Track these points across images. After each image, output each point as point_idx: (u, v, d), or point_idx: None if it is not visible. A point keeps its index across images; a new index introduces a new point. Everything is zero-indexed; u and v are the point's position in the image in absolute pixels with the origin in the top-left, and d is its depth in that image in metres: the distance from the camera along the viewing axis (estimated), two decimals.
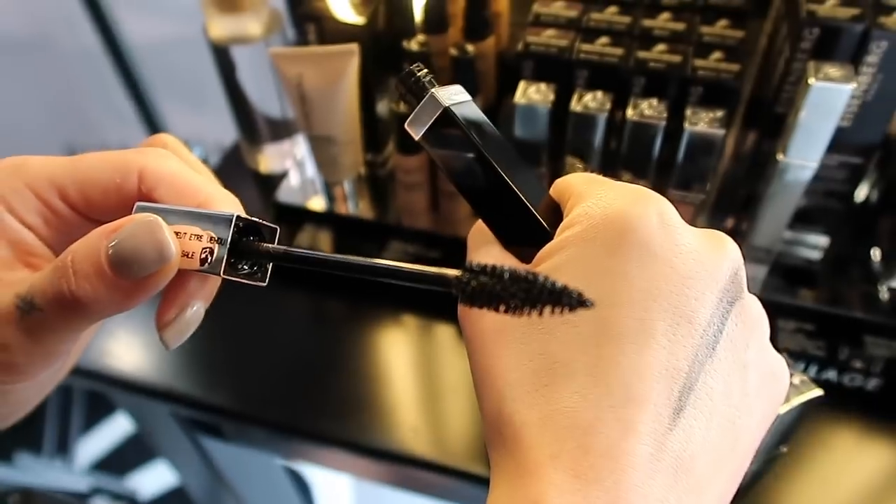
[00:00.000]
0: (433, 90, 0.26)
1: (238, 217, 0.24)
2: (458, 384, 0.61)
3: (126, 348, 0.66)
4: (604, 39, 0.57)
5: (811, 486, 0.53)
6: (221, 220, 0.24)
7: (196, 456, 0.77)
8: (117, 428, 1.56)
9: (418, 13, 0.64)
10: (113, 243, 0.23)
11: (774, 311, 0.58)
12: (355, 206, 0.69)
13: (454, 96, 0.26)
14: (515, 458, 0.21)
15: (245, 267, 0.25)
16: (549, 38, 0.57)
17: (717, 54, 0.55)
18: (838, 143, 0.53)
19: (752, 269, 0.60)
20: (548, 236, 0.25)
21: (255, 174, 0.80)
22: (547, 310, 0.19)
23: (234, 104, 0.74)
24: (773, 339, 0.58)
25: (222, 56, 0.69)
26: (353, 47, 0.58)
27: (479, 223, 0.27)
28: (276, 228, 0.26)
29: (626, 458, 0.20)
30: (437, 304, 0.66)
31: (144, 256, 0.23)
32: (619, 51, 0.56)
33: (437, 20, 0.62)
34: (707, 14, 0.59)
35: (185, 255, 0.24)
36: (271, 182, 0.76)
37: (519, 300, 0.19)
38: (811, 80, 0.46)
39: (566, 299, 0.19)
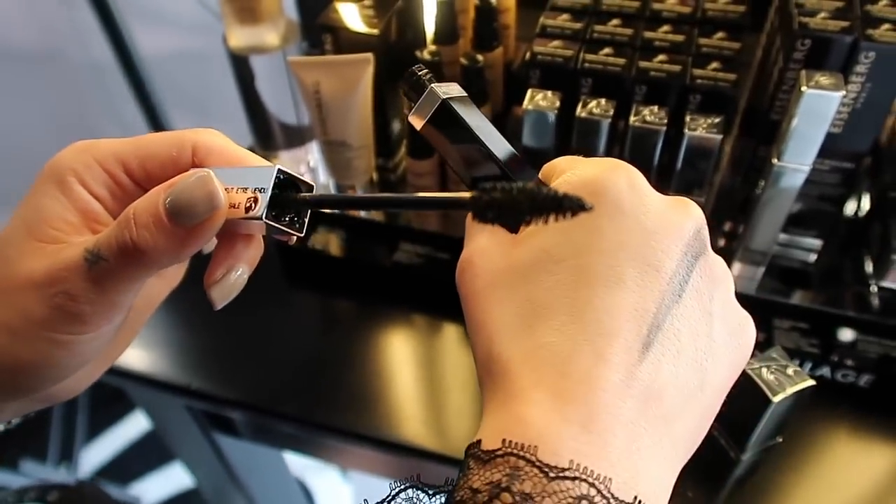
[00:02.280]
0: (433, 85, 0.30)
1: (279, 169, 0.27)
2: (466, 381, 0.64)
3: (142, 345, 0.68)
4: (607, 50, 0.60)
5: (805, 475, 0.55)
6: (264, 173, 0.27)
7: (210, 453, 0.79)
8: (122, 435, 1.57)
9: (430, 25, 0.67)
10: (169, 195, 0.26)
11: (770, 310, 0.61)
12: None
13: (451, 91, 0.30)
14: (502, 388, 0.24)
15: (286, 219, 0.28)
16: (555, 48, 0.60)
17: (714, 64, 0.58)
18: (830, 148, 0.56)
19: (748, 270, 0.63)
20: None
21: None
22: (552, 216, 0.22)
23: (250, 112, 0.77)
24: (769, 338, 0.61)
25: (241, 65, 0.72)
26: (369, 56, 0.61)
27: None
28: (313, 185, 0.29)
29: (599, 383, 0.22)
30: (444, 304, 0.68)
31: (197, 205, 0.26)
32: (621, 60, 0.59)
33: (448, 31, 0.65)
34: (705, 27, 0.62)
35: (232, 206, 0.27)
36: None
37: (526, 209, 0.22)
38: (804, 88, 0.49)
39: (567, 203, 0.21)
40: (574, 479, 0.21)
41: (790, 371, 0.49)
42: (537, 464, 0.21)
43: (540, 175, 0.30)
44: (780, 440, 0.54)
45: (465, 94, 0.31)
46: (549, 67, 0.59)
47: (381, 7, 0.66)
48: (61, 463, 1.52)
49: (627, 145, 0.56)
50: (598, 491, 0.21)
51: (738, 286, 0.61)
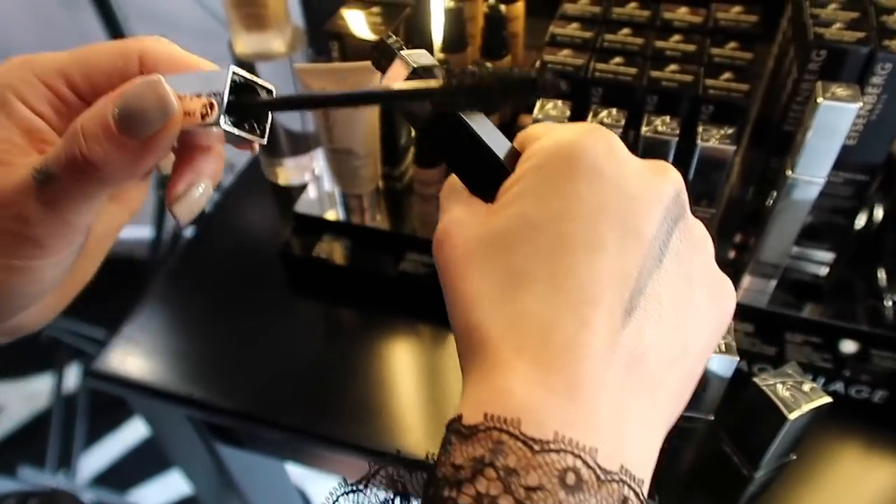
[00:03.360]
0: (402, 52, 0.29)
1: (234, 72, 0.26)
2: None
3: (144, 353, 0.67)
4: (618, 59, 0.59)
5: (819, 492, 0.54)
6: (218, 76, 0.26)
7: (210, 463, 0.77)
8: (121, 442, 1.56)
9: (438, 33, 0.66)
10: (118, 105, 0.24)
11: (782, 324, 0.60)
12: (373, 218, 0.71)
13: (421, 59, 0.29)
14: (483, 360, 0.23)
15: (245, 125, 0.26)
16: (565, 57, 0.59)
17: (727, 74, 0.57)
18: (844, 160, 0.55)
19: (760, 283, 0.62)
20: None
21: (274, 187, 0.82)
22: (525, 96, 0.21)
23: None
24: (781, 352, 0.60)
25: (247, 71, 0.71)
26: None
27: (451, 178, 0.29)
28: (272, 89, 0.27)
29: (583, 350, 0.22)
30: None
31: (148, 113, 0.24)
32: (632, 70, 0.58)
33: (456, 39, 0.65)
34: (717, 36, 0.61)
35: (186, 113, 0.25)
36: (290, 194, 0.78)
37: (497, 90, 0.21)
38: (819, 99, 0.48)
39: (541, 81, 0.21)
40: (559, 451, 0.20)
41: (806, 387, 0.48)
42: (521, 437, 0.20)
43: (515, 142, 0.29)
44: (794, 457, 0.53)
45: (436, 62, 0.29)
46: (559, 76, 0.59)
47: (389, 14, 0.66)
48: (60, 469, 1.51)
49: (638, 156, 0.55)
50: (584, 462, 0.20)
51: (749, 299, 0.61)
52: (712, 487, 0.54)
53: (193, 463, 0.81)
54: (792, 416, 0.46)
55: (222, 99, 0.25)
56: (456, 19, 0.64)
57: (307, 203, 0.73)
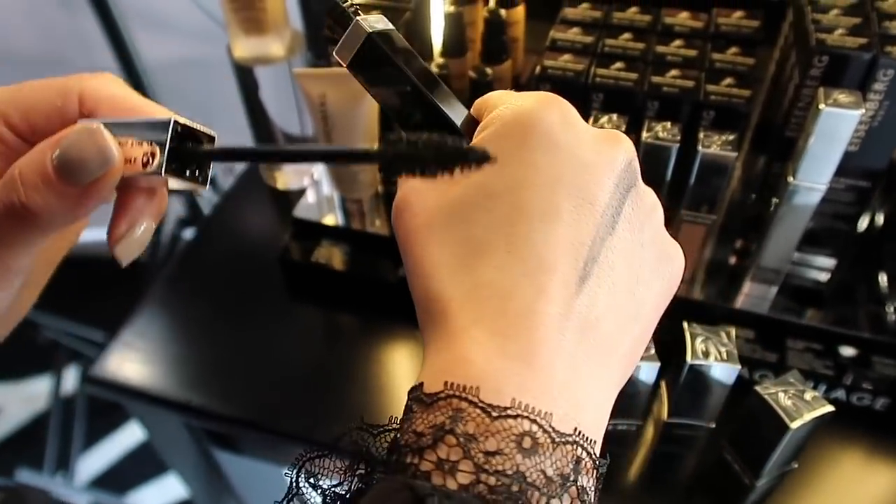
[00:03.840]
0: (358, 19, 0.28)
1: (175, 121, 0.25)
2: None
3: (142, 359, 0.67)
4: (619, 64, 0.59)
5: (821, 501, 0.53)
6: (159, 124, 0.25)
7: (207, 468, 0.77)
8: (119, 444, 1.56)
9: (437, 37, 0.66)
10: (57, 152, 0.24)
11: (783, 331, 0.60)
12: (372, 223, 0.71)
13: (377, 24, 0.28)
14: (443, 328, 0.23)
15: (187, 172, 0.26)
16: (565, 62, 0.59)
17: (728, 80, 0.57)
18: (846, 166, 0.55)
19: (761, 289, 0.62)
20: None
21: (273, 191, 0.82)
22: (457, 169, 0.22)
23: (254, 123, 0.76)
24: (782, 358, 0.59)
25: (246, 76, 0.71)
26: None
27: None
28: (214, 136, 0.27)
29: (538, 317, 0.22)
30: None
31: (88, 161, 0.24)
32: (633, 75, 0.58)
33: (456, 44, 0.64)
34: (718, 41, 0.61)
35: (127, 161, 0.25)
36: (288, 198, 0.78)
37: (432, 161, 0.22)
38: (821, 106, 0.48)
39: (472, 156, 0.21)
40: (516, 416, 0.21)
41: (808, 396, 0.47)
42: (480, 404, 0.21)
43: (472, 110, 0.29)
44: (796, 465, 0.53)
45: (392, 27, 0.29)
46: (559, 81, 0.58)
47: (389, 19, 0.65)
48: (58, 471, 1.50)
49: (640, 163, 0.55)
50: (540, 426, 0.21)
51: (750, 305, 0.61)
52: (714, 495, 0.53)
53: (190, 467, 0.81)
54: (794, 425, 0.46)
55: (164, 148, 0.25)
56: (456, 24, 0.63)
57: (306, 208, 0.73)
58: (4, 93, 0.27)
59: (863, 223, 0.64)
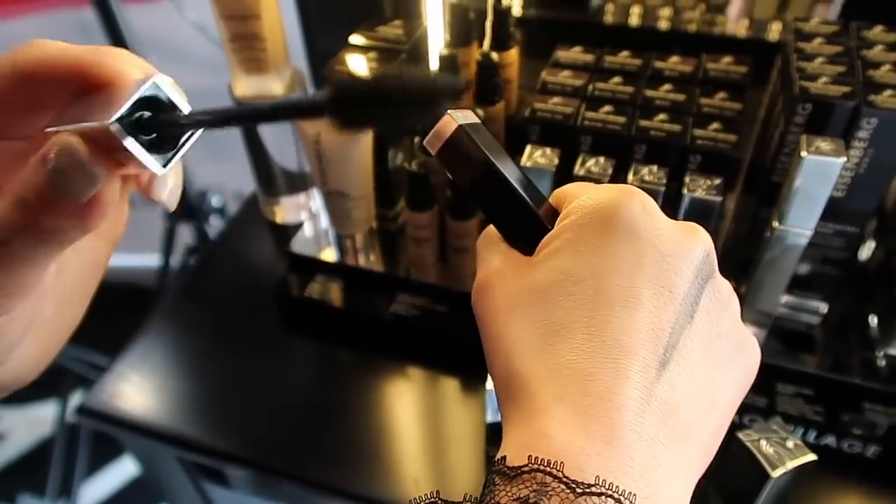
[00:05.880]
0: (449, 111, 0.30)
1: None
2: (462, 437, 0.62)
3: (136, 391, 0.67)
4: (607, 108, 0.59)
5: None
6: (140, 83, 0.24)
7: (200, 502, 0.77)
8: (121, 472, 1.56)
9: None
10: (47, 175, 0.24)
11: (773, 375, 0.60)
12: (366, 259, 0.71)
13: (467, 117, 0.30)
14: (524, 405, 0.24)
15: (169, 147, 0.25)
16: (555, 105, 0.60)
17: (715, 125, 0.57)
18: (833, 212, 0.55)
19: (752, 331, 0.61)
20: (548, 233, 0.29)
21: (272, 224, 0.83)
22: (426, 106, 0.21)
23: (254, 158, 0.77)
24: (772, 403, 0.59)
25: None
26: None
27: (489, 228, 0.31)
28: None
29: (620, 400, 0.23)
30: (442, 358, 0.67)
31: (77, 182, 0.24)
32: (621, 119, 0.58)
33: None
34: (706, 86, 0.61)
35: (118, 164, 0.24)
36: (286, 232, 0.79)
37: (396, 97, 0.21)
38: (803, 153, 0.48)
39: (442, 84, 0.21)
40: (601, 494, 0.21)
41: (790, 444, 0.47)
42: (564, 479, 0.21)
43: (551, 200, 0.30)
44: None
45: (479, 120, 0.31)
46: (548, 124, 0.59)
47: (385, 59, 0.67)
48: (60, 498, 1.50)
49: None
50: None
51: None
52: None
53: (182, 501, 0.81)
54: (775, 473, 0.46)
55: (129, 100, 0.23)
56: (449, 66, 0.64)
57: (302, 242, 0.74)
58: None
59: (855, 267, 0.64)
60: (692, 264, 0.26)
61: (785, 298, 0.63)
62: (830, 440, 0.58)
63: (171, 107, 0.25)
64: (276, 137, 0.76)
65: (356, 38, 0.70)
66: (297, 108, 0.24)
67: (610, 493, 0.21)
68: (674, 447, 0.24)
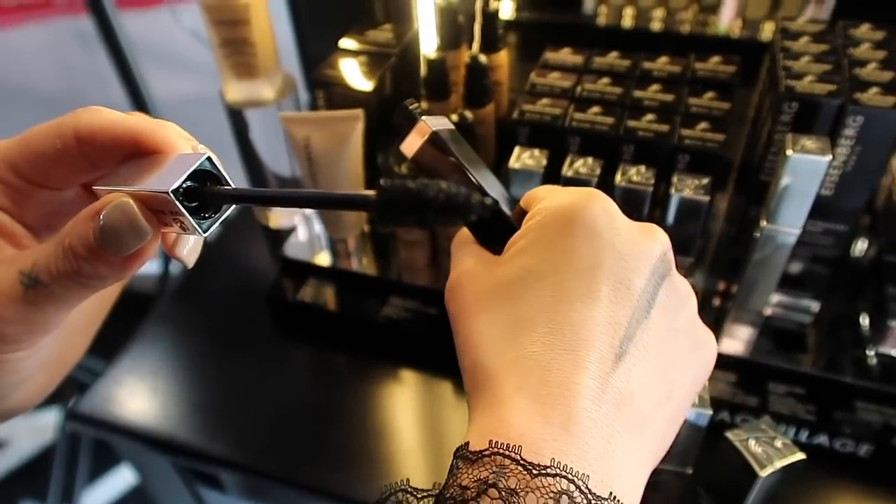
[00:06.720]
0: (423, 118, 0.32)
1: (209, 157, 0.27)
2: (455, 439, 0.62)
3: (129, 397, 0.68)
4: (595, 109, 0.59)
5: None
6: (192, 158, 0.26)
7: None
8: (123, 478, 1.56)
9: (421, 81, 0.67)
10: (98, 228, 0.25)
11: (765, 374, 0.59)
12: (359, 262, 0.72)
13: (440, 124, 0.32)
14: (488, 395, 0.25)
15: (210, 214, 0.27)
16: (543, 106, 0.60)
17: (703, 124, 0.57)
18: (823, 210, 0.55)
19: (742, 331, 0.61)
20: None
21: (265, 228, 0.83)
22: (459, 216, 0.23)
23: (246, 162, 0.77)
24: (764, 403, 0.59)
25: (237, 118, 0.73)
26: (358, 112, 0.62)
27: (463, 230, 0.33)
28: (231, 184, 0.27)
29: (577, 388, 0.24)
30: (434, 360, 0.67)
31: (126, 236, 0.26)
32: (609, 119, 0.58)
33: (439, 88, 0.66)
34: (695, 86, 0.61)
35: (164, 224, 0.27)
36: (279, 237, 0.79)
37: (432, 209, 0.23)
38: (789, 152, 0.48)
39: (477, 205, 0.23)
40: (555, 475, 0.22)
41: (779, 443, 0.47)
42: (521, 462, 0.22)
43: (521, 202, 0.32)
44: None
45: (453, 126, 0.33)
46: (536, 126, 0.59)
47: (375, 63, 0.67)
48: None
49: (617, 204, 0.55)
50: (577, 487, 0.22)
51: (731, 348, 0.60)
52: None
53: None
54: (763, 472, 0.46)
55: (185, 176, 0.26)
56: (438, 69, 0.65)
57: (294, 246, 0.74)
58: (11, 145, 0.28)
59: (846, 265, 0.64)
60: (649, 263, 0.27)
61: (776, 297, 0.63)
62: (823, 439, 0.57)
63: (214, 178, 0.27)
64: (268, 144, 0.76)
65: (346, 42, 0.70)
66: (342, 202, 0.27)
67: (564, 474, 0.22)
68: (628, 434, 0.25)
